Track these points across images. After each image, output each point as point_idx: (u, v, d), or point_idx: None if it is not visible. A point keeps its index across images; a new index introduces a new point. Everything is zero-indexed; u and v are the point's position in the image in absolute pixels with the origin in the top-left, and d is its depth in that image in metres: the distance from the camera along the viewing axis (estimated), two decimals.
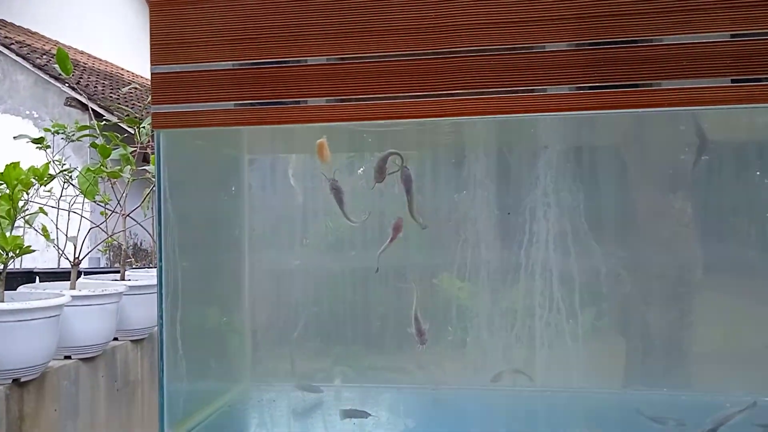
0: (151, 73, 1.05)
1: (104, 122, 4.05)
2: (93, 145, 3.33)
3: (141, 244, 7.61)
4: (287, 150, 1.41)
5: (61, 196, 3.63)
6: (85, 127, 3.58)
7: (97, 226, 3.17)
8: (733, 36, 0.95)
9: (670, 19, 0.97)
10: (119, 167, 3.36)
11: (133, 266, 4.91)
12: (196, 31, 1.07)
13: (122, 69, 11.04)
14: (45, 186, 3.17)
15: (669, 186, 1.36)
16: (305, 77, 1.05)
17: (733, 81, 0.95)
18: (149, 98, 3.64)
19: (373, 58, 1.03)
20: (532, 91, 0.99)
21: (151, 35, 1.06)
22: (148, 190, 3.55)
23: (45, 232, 2.87)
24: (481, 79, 1.00)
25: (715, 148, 1.30)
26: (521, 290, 1.32)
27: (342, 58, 1.04)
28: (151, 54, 1.05)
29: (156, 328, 3.13)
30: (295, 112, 1.06)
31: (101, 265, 6.92)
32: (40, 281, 4.15)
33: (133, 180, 3.10)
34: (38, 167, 3.14)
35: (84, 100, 6.98)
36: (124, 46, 11.33)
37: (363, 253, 1.41)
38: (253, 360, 1.40)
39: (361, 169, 1.39)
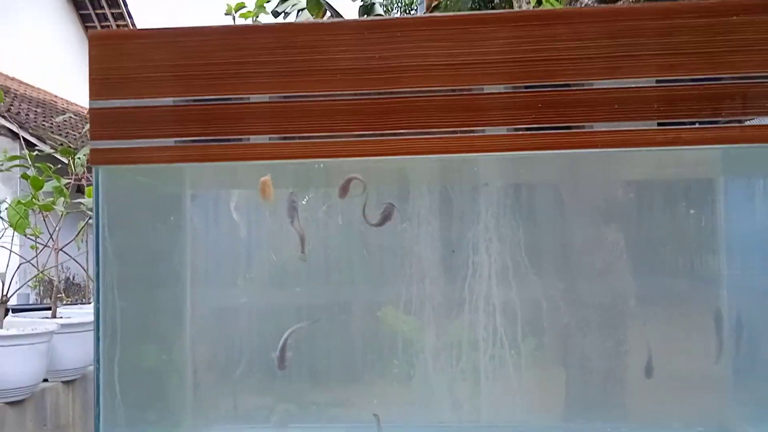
0: (90, 108, 1.03)
1: (36, 152, 3.91)
2: (24, 176, 3.21)
3: (74, 278, 7.30)
4: (230, 185, 1.40)
5: None
6: (15, 158, 3.45)
7: (28, 261, 3.04)
8: (658, 81, 1.01)
9: (601, 64, 1.02)
10: (52, 199, 3.24)
11: (65, 302, 4.70)
12: (136, 66, 1.06)
13: (56, 96, 10.72)
14: None
15: (602, 221, 1.42)
16: (248, 115, 1.05)
17: (659, 124, 1.01)
18: (85, 128, 3.54)
19: (316, 97, 1.04)
20: (472, 132, 1.02)
21: (90, 69, 1.04)
22: (82, 223, 3.43)
23: None
24: (423, 119, 1.03)
25: (646, 185, 1.37)
26: (465, 324, 1.34)
27: (285, 97, 1.05)
28: (89, 88, 1.03)
29: (89, 367, 3.00)
30: (238, 149, 1.06)
31: (31, 302, 6.60)
32: None
33: (67, 213, 3.00)
34: None
35: (15, 129, 6.72)
36: (59, 73, 11.03)
37: (307, 289, 1.40)
38: (195, 400, 1.36)
39: (305, 200, 1.39)
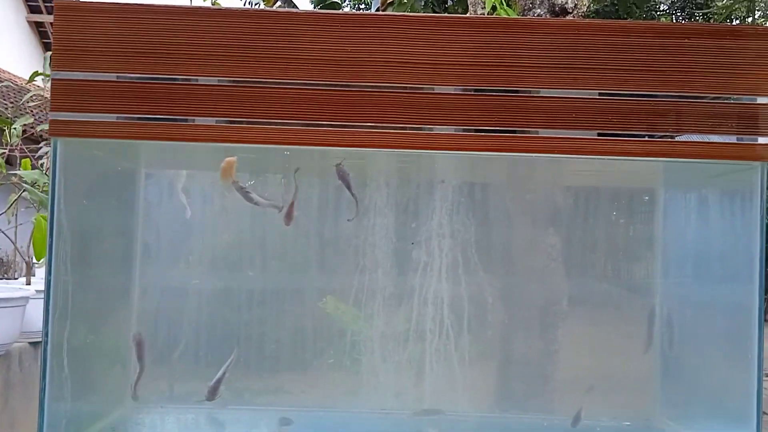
0: (52, 79, 1.03)
1: None
2: None
3: None
4: (184, 166, 1.40)
5: None
6: None
7: None
8: (600, 94, 1.09)
9: (547, 73, 1.09)
10: None
11: None
12: (99, 40, 1.06)
13: None
14: None
15: (543, 223, 1.50)
16: (199, 96, 1.07)
17: (599, 134, 1.09)
18: (24, 98, 3.40)
19: (267, 83, 1.07)
20: (420, 129, 1.07)
21: (53, 39, 1.03)
22: (14, 196, 3.31)
23: None
24: (375, 113, 1.07)
25: (584, 192, 1.46)
26: (407, 316, 1.39)
27: (235, 81, 1.07)
28: (53, 59, 1.03)
29: (14, 344, 2.90)
30: (189, 130, 1.07)
31: None
32: None
33: (1, 185, 2.89)
34: None
35: None
36: None
37: (259, 273, 1.42)
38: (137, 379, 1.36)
39: (251, 182, 1.41)
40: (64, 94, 1.04)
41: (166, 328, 1.42)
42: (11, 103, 7.24)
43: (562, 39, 1.09)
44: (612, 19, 9.41)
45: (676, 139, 1.09)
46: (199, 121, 1.05)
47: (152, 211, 1.39)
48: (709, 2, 10.58)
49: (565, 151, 1.09)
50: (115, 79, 1.04)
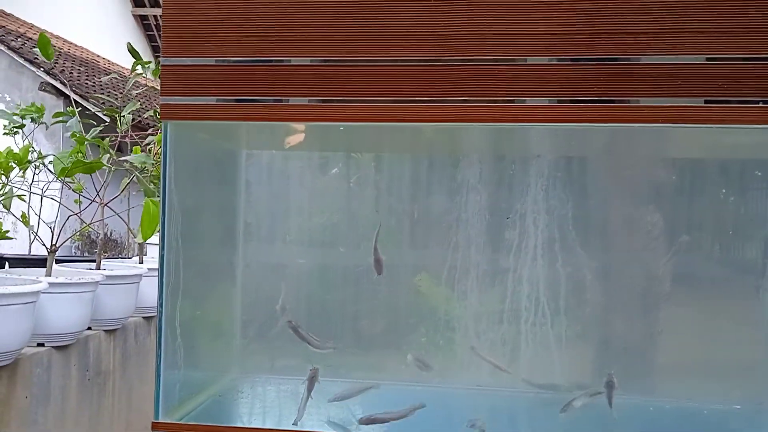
0: (162, 65, 1.09)
1: (82, 112, 4.01)
2: (73, 136, 3.31)
3: (111, 234, 7.51)
4: (281, 146, 1.45)
5: (32, 182, 3.58)
6: (61, 114, 3.55)
7: (76, 214, 3.16)
8: (708, 59, 1.03)
9: (649, 39, 1.04)
10: (99, 156, 3.34)
11: (105, 257, 4.86)
12: (205, 27, 1.11)
13: (98, 56, 10.89)
14: (24, 171, 3.15)
15: (644, 200, 1.43)
16: (292, 76, 1.09)
17: (706, 102, 1.02)
18: (128, 86, 3.61)
19: (362, 61, 1.08)
20: (512, 101, 1.05)
21: (163, 27, 1.09)
22: (126, 180, 3.53)
23: (24, 218, 2.84)
24: (465, 87, 1.06)
25: (687, 165, 1.38)
26: (505, 294, 1.38)
27: (327, 61, 1.09)
28: (162, 46, 1.09)
29: (130, 318, 3.12)
30: (285, 110, 1.11)
31: (72, 253, 6.82)
32: (9, 267, 4.09)
33: (114, 170, 3.09)
34: (16, 152, 3.11)
35: (60, 87, 6.88)
36: (102, 33, 11.18)
37: (354, 251, 1.45)
38: (243, 349, 1.43)
39: (335, 169, 1.44)
40: (173, 79, 1.10)
41: (266, 303, 1.48)
42: (120, 93, 7.71)
43: (663, 2, 1.03)
44: None
45: None
46: (293, 101, 1.08)
47: (253, 190, 1.45)
48: None
49: (668, 120, 1.04)
50: (215, 63, 1.09)
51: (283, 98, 1.09)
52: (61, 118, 3.59)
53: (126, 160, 2.98)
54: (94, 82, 8.20)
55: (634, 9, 1.03)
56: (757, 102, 1.01)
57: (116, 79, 8.00)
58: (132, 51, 3.41)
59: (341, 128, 1.13)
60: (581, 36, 1.04)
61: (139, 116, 3.54)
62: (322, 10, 1.07)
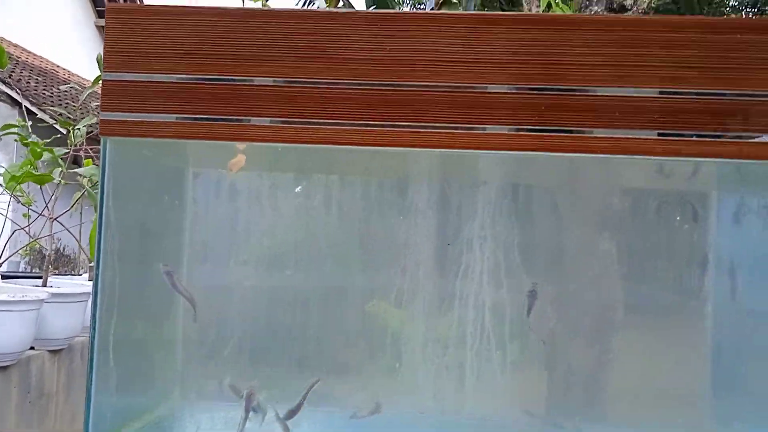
0: (103, 80, 1.05)
1: (36, 121, 3.90)
2: (23, 142, 3.20)
3: (64, 249, 7.30)
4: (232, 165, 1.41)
5: None
6: (12, 126, 3.45)
7: (23, 228, 3.05)
8: (661, 92, 1.04)
9: (604, 71, 1.04)
10: (50, 169, 3.25)
11: (54, 273, 4.70)
12: (150, 42, 1.08)
13: (58, 66, 10.67)
14: None
15: (596, 228, 1.44)
16: (251, 97, 1.07)
17: (659, 134, 1.03)
18: (83, 97, 3.52)
19: (321, 84, 1.06)
20: (474, 128, 1.04)
21: (105, 42, 1.05)
22: (78, 194, 3.44)
23: None
24: (427, 113, 1.05)
25: (640, 194, 1.39)
26: (453, 320, 1.36)
27: (289, 81, 1.07)
28: (104, 60, 1.05)
29: (76, 338, 3.01)
30: (239, 129, 1.08)
31: (20, 270, 6.58)
32: None
33: (65, 184, 3.00)
34: None
35: (16, 96, 6.70)
36: (64, 43, 10.96)
37: (304, 273, 1.42)
38: (183, 375, 1.38)
39: (299, 188, 1.41)
40: (114, 95, 1.06)
41: (212, 325, 1.43)
42: (75, 104, 7.55)
43: (620, 36, 1.04)
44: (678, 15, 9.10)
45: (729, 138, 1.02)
46: (255, 121, 1.06)
47: (199, 208, 1.40)
48: None
49: (623, 152, 1.04)
50: (167, 80, 1.05)
51: (239, 118, 1.06)
52: (13, 130, 3.48)
53: (77, 173, 2.90)
54: (51, 92, 8.02)
55: (590, 41, 1.04)
56: (693, 136, 1.02)
57: (76, 89, 7.83)
58: (100, 60, 3.33)
59: (279, 149, 1.10)
60: (540, 66, 1.04)
61: (96, 129, 3.45)
62: (278, 29, 1.05)
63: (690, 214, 1.38)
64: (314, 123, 1.05)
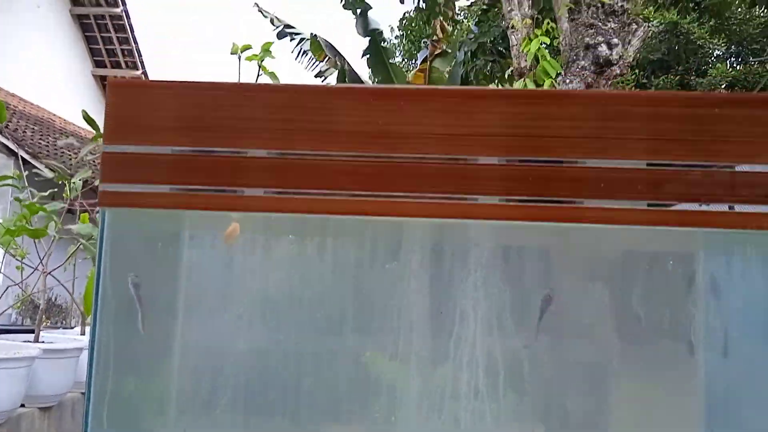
0: (103, 152, 1.07)
1: (32, 171, 3.92)
2: (17, 200, 3.22)
3: (56, 299, 7.24)
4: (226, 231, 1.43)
5: None
6: (6, 177, 3.47)
7: (17, 284, 3.04)
8: (648, 164, 1.07)
9: (593, 144, 1.08)
10: (44, 224, 3.25)
11: (46, 324, 4.66)
12: (149, 115, 1.11)
13: (54, 115, 10.78)
14: None
15: (589, 290, 1.45)
16: (246, 168, 1.09)
17: (648, 205, 1.06)
18: (82, 152, 3.54)
19: (315, 156, 1.09)
20: (465, 199, 1.06)
21: (106, 115, 1.08)
22: (73, 248, 3.44)
23: None
24: (419, 183, 1.07)
25: (634, 260, 1.41)
26: (448, 376, 1.36)
27: (283, 153, 1.09)
28: (104, 133, 1.07)
29: (68, 394, 2.97)
30: (234, 200, 1.10)
31: (12, 320, 6.52)
32: None
33: (59, 239, 3.01)
34: None
35: (12, 146, 6.75)
36: (61, 91, 11.10)
37: (297, 335, 1.42)
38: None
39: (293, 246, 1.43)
40: (114, 166, 1.08)
41: (207, 384, 1.43)
42: (75, 153, 7.60)
43: (600, 109, 1.08)
44: (663, 67, 9.31)
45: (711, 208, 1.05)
46: (249, 191, 1.08)
47: (194, 272, 1.41)
48: (765, 47, 10.35)
49: (612, 221, 1.07)
50: (164, 152, 1.08)
51: (227, 188, 1.08)
52: (8, 182, 3.50)
53: (72, 230, 2.91)
54: (48, 142, 8.08)
55: (578, 114, 1.07)
56: (678, 205, 1.05)
57: (72, 145, 7.89)
58: (87, 119, 3.38)
59: (272, 217, 1.13)
60: (527, 138, 1.08)
61: (92, 180, 3.48)
62: (272, 103, 1.08)
63: (676, 277, 1.40)
64: (307, 193, 1.08)
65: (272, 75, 2.64)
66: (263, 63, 2.57)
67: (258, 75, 2.69)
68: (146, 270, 1.27)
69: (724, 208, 1.06)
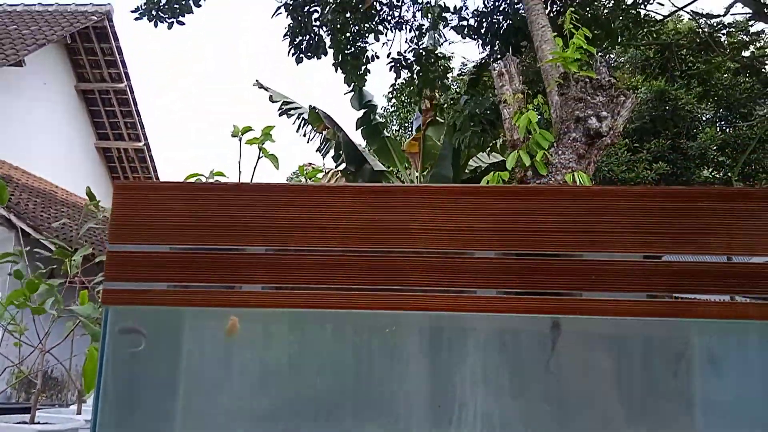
0: (107, 251, 1.10)
1: (33, 243, 3.94)
2: (17, 276, 3.24)
3: (52, 372, 7.13)
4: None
5: None
6: (8, 254, 3.49)
7: (16, 365, 3.01)
8: (645, 257, 1.09)
9: (589, 237, 1.10)
10: (43, 299, 3.25)
11: (43, 399, 4.58)
12: (151, 216, 1.14)
13: (57, 187, 10.90)
14: None
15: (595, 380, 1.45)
16: (245, 264, 1.12)
17: (648, 296, 1.08)
18: (83, 229, 3.56)
19: (313, 252, 1.11)
20: (463, 292, 1.09)
21: (111, 216, 1.12)
22: (71, 324, 3.42)
23: None
24: (416, 277, 1.09)
25: (624, 344, 1.42)
26: None
27: (280, 250, 1.12)
28: (109, 233, 1.10)
29: None
30: (233, 296, 1.12)
31: (7, 396, 6.40)
32: None
33: (58, 317, 3.00)
34: None
35: (14, 219, 6.80)
36: (63, 163, 11.27)
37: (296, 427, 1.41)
38: None
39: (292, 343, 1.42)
40: (117, 266, 1.11)
41: None
42: (75, 223, 7.65)
43: (587, 205, 1.11)
44: (654, 132, 9.50)
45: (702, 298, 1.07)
46: (247, 287, 1.10)
47: (193, 365, 1.42)
48: (752, 111, 10.61)
49: (612, 313, 1.09)
50: (164, 251, 1.11)
51: (226, 285, 1.10)
52: (9, 258, 3.52)
53: (71, 310, 2.91)
54: (49, 214, 8.15)
55: (574, 209, 1.10)
56: (673, 297, 1.07)
57: (69, 223, 7.94)
58: (90, 195, 3.44)
59: (270, 312, 1.15)
60: (524, 233, 1.10)
61: (91, 258, 3.50)
62: (269, 201, 1.12)
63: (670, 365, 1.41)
64: (305, 288, 1.10)
65: (272, 157, 2.70)
66: (263, 146, 2.62)
67: (258, 158, 2.74)
68: (147, 367, 1.28)
69: (712, 297, 1.09)
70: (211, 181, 2.62)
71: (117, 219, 1.11)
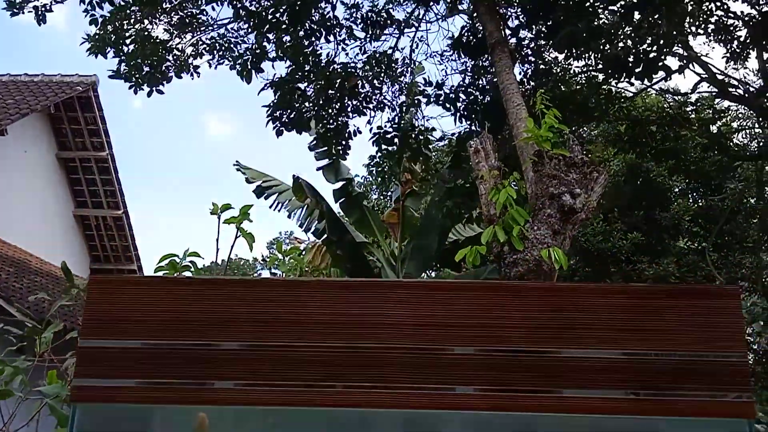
0: (78, 347, 1.09)
1: (4, 327, 3.85)
2: None
3: None
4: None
5: None
6: None
7: None
8: (625, 354, 1.10)
9: (568, 334, 1.11)
10: (9, 379, 3.15)
11: None
12: (126, 310, 1.13)
13: (31, 255, 10.72)
14: None
15: None
16: (217, 360, 1.11)
17: (629, 393, 1.08)
18: (53, 311, 3.47)
19: (287, 347, 1.11)
20: (440, 389, 1.08)
21: (84, 311, 1.11)
22: (38, 404, 3.31)
23: None
24: (392, 374, 1.09)
25: None
26: None
27: (252, 345, 1.12)
28: (81, 328, 1.10)
29: None
30: (207, 394, 1.11)
31: None
32: None
33: (25, 399, 2.90)
34: None
35: None
36: (41, 231, 11.13)
37: None
38: None
39: None
40: (87, 362, 1.10)
41: None
42: (47, 293, 7.49)
43: (574, 301, 1.13)
44: (628, 205, 9.68)
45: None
46: (219, 384, 1.09)
47: None
48: (723, 184, 10.90)
49: (593, 410, 1.08)
50: (135, 346, 1.10)
51: (206, 381, 1.09)
52: None
53: (39, 391, 2.82)
54: (22, 284, 7.99)
55: (553, 306, 1.11)
56: (683, 395, 1.07)
57: (44, 298, 7.77)
58: (65, 270, 3.39)
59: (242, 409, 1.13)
60: (503, 330, 1.11)
61: (61, 337, 3.42)
62: (241, 296, 1.13)
63: None
64: (276, 385, 1.09)
65: (249, 236, 2.71)
66: (242, 226, 2.63)
67: (236, 237, 2.75)
68: None
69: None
70: (185, 262, 2.61)
71: (90, 314, 1.10)
